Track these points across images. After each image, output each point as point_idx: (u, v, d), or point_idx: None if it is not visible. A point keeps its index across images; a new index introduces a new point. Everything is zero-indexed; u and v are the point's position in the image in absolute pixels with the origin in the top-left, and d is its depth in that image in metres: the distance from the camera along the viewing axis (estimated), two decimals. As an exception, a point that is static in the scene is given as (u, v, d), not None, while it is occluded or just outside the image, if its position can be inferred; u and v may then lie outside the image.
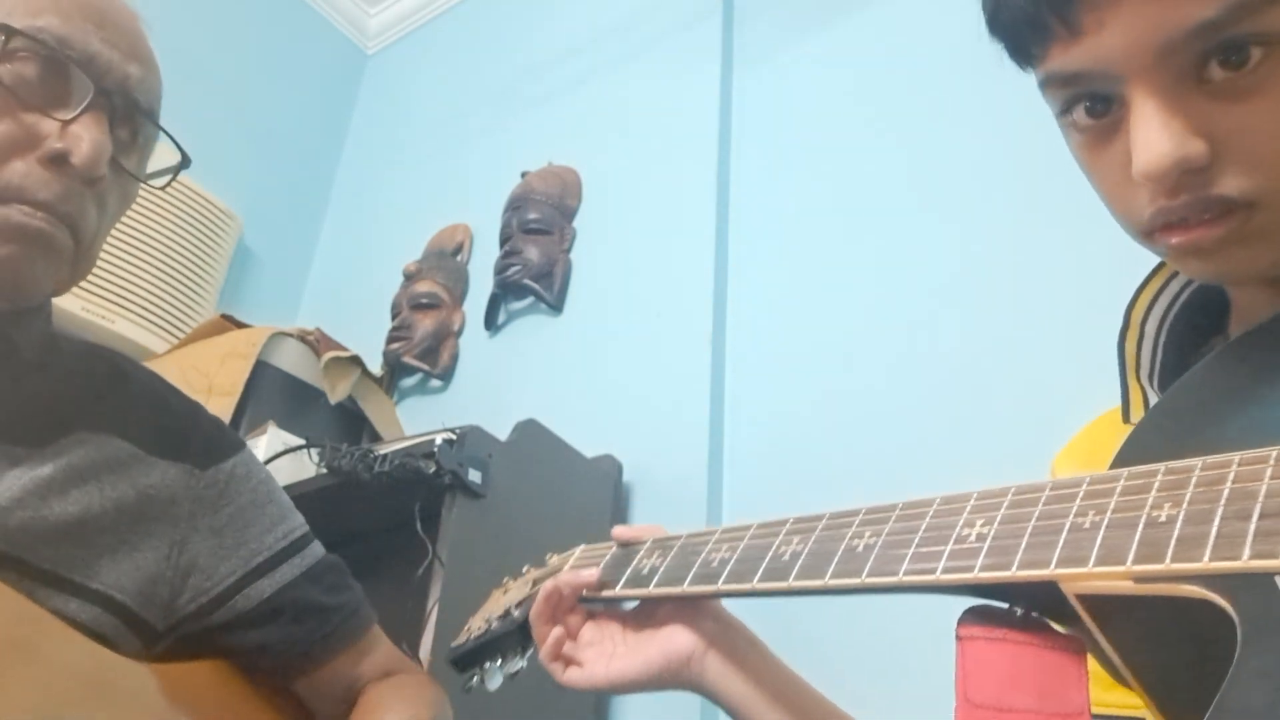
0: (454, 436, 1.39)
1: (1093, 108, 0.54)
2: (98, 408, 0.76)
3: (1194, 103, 0.50)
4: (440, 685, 0.88)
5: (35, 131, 0.68)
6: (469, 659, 0.83)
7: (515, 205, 2.04)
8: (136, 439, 0.77)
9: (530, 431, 1.54)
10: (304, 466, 1.48)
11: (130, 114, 0.74)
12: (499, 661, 0.81)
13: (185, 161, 0.81)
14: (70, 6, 0.70)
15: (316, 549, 0.86)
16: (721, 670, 0.72)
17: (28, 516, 0.67)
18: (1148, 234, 0.54)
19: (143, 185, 0.79)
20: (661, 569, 0.70)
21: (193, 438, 0.81)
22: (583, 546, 0.82)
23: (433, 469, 1.34)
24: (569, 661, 0.76)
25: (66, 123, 0.68)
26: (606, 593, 0.73)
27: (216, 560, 0.79)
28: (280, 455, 1.51)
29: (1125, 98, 0.52)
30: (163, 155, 0.81)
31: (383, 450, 1.40)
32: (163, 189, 0.81)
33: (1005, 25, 0.55)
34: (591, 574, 0.75)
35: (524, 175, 2.11)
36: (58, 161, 0.68)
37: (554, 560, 0.83)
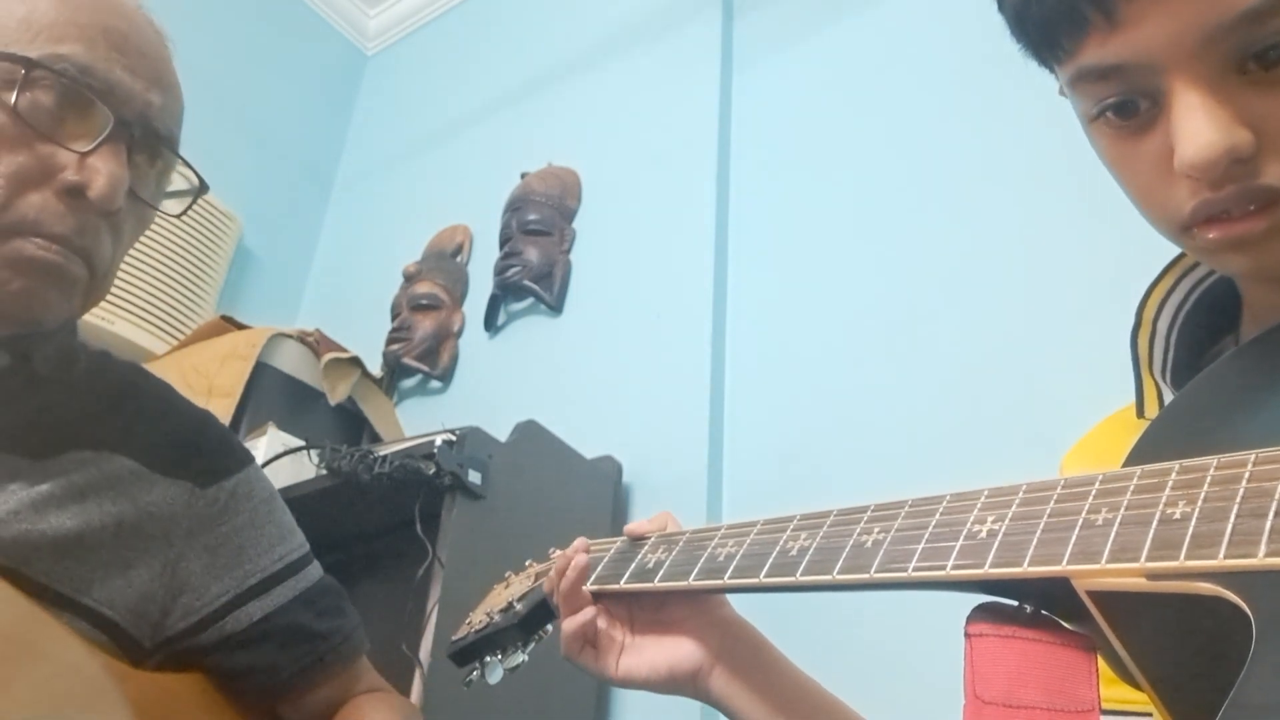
0: (454, 437, 1.39)
1: (1126, 102, 0.52)
2: (104, 424, 0.75)
3: (1237, 93, 0.49)
4: (418, 712, 0.87)
5: (52, 163, 0.67)
6: (469, 653, 0.82)
7: (515, 206, 2.04)
8: (140, 456, 0.76)
9: (530, 432, 1.53)
10: (304, 468, 1.48)
11: (149, 142, 0.73)
12: (499, 655, 0.81)
13: (202, 187, 0.80)
14: (95, 31, 0.69)
15: (313, 571, 0.84)
16: (727, 686, 0.72)
17: (23, 529, 0.66)
18: (1185, 229, 0.53)
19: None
20: (667, 563, 0.69)
21: (197, 454, 0.80)
22: (583, 540, 0.81)
23: (433, 470, 1.34)
24: (586, 642, 0.75)
25: (84, 154, 0.67)
26: (612, 587, 0.73)
27: (209, 580, 0.78)
28: (280, 456, 1.50)
29: (1165, 90, 0.51)
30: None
31: (382, 451, 1.40)
32: (179, 216, 0.80)
33: (1036, 18, 0.53)
34: (582, 558, 0.75)
35: (523, 176, 2.10)
36: (74, 194, 0.67)
37: (557, 555, 0.83)
